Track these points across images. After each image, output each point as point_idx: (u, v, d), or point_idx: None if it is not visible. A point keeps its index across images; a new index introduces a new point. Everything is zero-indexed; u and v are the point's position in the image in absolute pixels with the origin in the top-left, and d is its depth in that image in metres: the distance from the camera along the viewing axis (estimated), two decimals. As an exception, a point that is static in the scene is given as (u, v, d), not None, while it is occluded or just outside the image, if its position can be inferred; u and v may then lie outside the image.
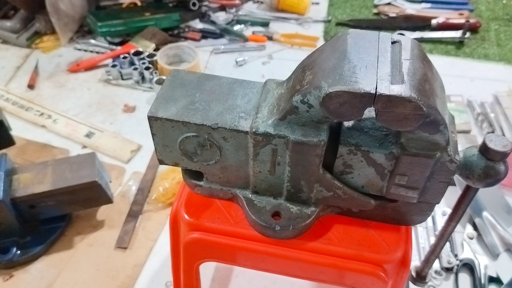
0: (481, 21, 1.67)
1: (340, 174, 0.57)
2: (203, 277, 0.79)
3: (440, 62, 1.52)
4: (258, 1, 1.79)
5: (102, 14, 1.58)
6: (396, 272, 0.64)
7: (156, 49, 1.51)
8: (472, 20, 1.62)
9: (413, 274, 0.70)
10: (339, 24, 1.71)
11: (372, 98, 0.46)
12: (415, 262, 0.70)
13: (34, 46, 1.58)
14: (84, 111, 1.35)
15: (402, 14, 1.70)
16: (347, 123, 0.55)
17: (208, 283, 0.98)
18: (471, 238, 1.04)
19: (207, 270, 0.99)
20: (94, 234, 1.05)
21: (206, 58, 1.54)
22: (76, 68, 1.47)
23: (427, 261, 0.67)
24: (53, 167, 0.98)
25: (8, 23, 1.56)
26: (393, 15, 1.71)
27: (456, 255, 1.01)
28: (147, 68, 1.42)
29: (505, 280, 0.97)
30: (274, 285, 0.97)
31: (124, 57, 1.44)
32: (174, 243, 0.73)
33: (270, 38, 1.61)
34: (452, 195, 0.68)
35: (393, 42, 0.52)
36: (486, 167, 0.50)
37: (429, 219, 1.07)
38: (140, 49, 1.48)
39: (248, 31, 1.64)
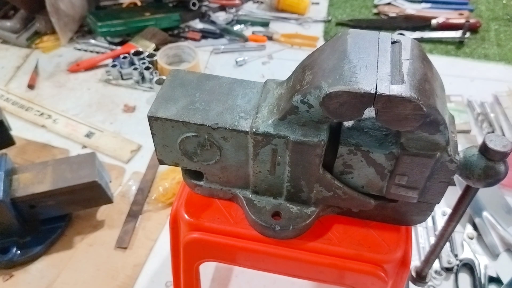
0: (481, 21, 1.67)
1: (340, 174, 0.57)
2: (203, 277, 0.79)
3: (440, 62, 1.52)
4: (258, 1, 1.79)
5: (102, 14, 1.58)
6: (396, 272, 0.64)
7: (156, 49, 1.51)
8: (472, 20, 1.62)
9: (413, 274, 0.70)
10: (339, 24, 1.71)
11: (372, 98, 0.46)
12: (415, 262, 0.70)
13: (34, 46, 1.58)
14: (84, 111, 1.35)
15: (402, 14, 1.70)
16: (347, 123, 0.55)
17: (208, 283, 0.98)
18: (471, 238, 1.04)
19: (207, 270, 0.99)
20: (94, 234, 1.05)
21: (206, 58, 1.54)
22: (76, 68, 1.47)
23: (427, 261, 0.67)
24: (53, 167, 0.98)
25: (8, 23, 1.56)
26: (393, 15, 1.71)
27: (456, 255, 1.01)
28: (147, 68, 1.42)
29: (505, 280, 0.97)
30: (274, 285, 0.97)
31: (124, 57, 1.44)
32: (174, 243, 0.73)
33: (270, 38, 1.61)
34: (452, 195, 0.68)
35: (393, 42, 0.52)
36: (486, 167, 0.50)
37: (429, 219, 1.07)
38: (140, 49, 1.48)
39: (248, 31, 1.64)
